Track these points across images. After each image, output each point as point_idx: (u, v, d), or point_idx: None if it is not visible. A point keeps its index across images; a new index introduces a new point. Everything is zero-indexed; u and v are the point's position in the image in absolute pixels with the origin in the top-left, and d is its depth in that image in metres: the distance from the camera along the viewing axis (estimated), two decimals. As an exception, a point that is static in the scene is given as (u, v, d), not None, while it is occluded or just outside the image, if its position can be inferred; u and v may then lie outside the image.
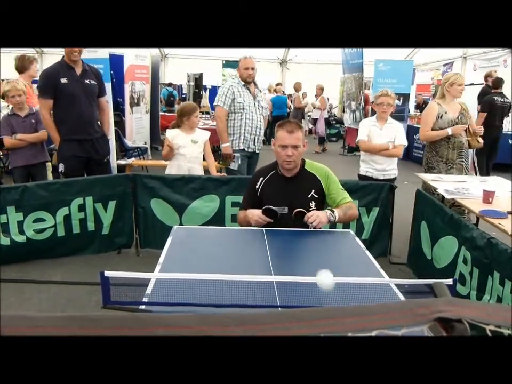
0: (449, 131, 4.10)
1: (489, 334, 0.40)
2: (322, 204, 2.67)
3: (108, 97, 4.80)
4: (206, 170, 4.27)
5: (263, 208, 2.49)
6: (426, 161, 4.38)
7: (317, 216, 2.41)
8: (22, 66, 4.76)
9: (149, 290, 1.68)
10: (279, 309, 1.62)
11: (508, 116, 7.30)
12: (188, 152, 4.00)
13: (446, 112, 4.16)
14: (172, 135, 3.99)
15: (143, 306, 1.60)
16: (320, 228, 2.49)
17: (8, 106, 5.27)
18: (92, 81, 3.94)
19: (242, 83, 4.34)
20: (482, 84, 7.68)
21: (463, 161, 4.21)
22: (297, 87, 11.42)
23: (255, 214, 2.52)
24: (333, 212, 2.51)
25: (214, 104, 4.38)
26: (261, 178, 2.70)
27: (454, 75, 4.29)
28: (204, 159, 4.23)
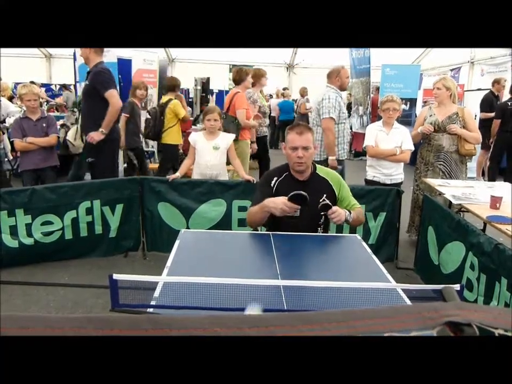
0: (419, 130, 4.26)
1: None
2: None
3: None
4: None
5: (290, 194, 2.28)
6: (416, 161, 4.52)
7: (339, 214, 2.45)
8: (239, 78, 5.01)
9: (156, 293, 1.69)
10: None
11: None
12: (209, 160, 3.89)
13: (431, 115, 4.28)
14: (193, 139, 3.92)
15: (151, 310, 1.60)
16: (334, 220, 2.48)
17: (20, 110, 5.37)
18: (88, 82, 4.09)
19: (340, 92, 4.31)
20: (489, 89, 7.58)
21: (442, 164, 4.22)
22: (302, 93, 11.34)
23: (279, 201, 2.32)
24: (350, 212, 2.57)
25: (326, 116, 4.17)
26: (275, 178, 2.67)
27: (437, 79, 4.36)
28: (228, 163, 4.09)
